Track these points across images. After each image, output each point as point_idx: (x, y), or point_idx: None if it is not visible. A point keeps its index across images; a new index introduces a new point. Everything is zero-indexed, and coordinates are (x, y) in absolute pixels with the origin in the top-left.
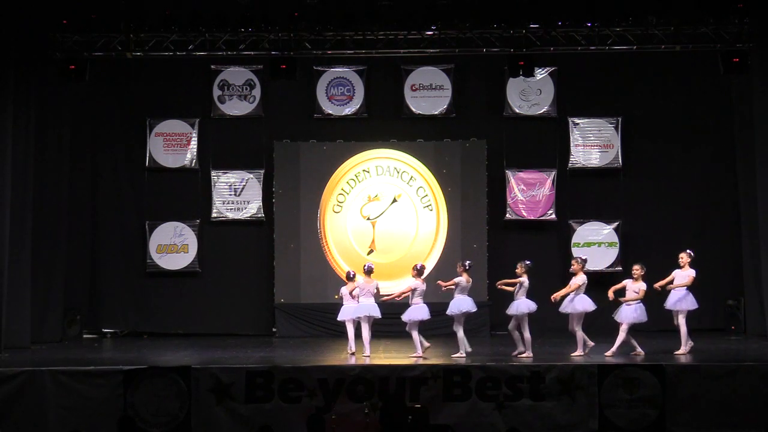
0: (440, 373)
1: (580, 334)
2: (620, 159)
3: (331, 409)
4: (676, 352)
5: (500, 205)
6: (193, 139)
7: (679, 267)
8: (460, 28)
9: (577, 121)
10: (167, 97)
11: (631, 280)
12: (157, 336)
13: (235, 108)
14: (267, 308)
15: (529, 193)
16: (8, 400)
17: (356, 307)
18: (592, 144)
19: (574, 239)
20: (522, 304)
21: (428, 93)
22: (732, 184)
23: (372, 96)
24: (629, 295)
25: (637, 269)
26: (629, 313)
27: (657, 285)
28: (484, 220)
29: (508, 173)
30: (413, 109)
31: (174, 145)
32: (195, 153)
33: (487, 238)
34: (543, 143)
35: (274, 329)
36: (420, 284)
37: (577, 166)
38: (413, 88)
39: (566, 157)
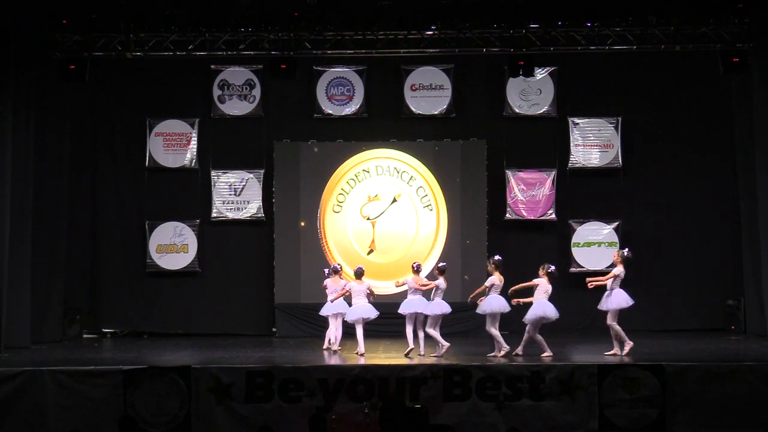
0: (440, 373)
1: (495, 333)
2: (620, 159)
3: (331, 409)
4: (543, 355)
5: (500, 204)
6: (193, 138)
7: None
8: (460, 28)
9: (577, 120)
10: (167, 97)
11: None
12: (157, 336)
13: (235, 108)
14: (267, 308)
15: (529, 193)
16: (8, 400)
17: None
18: (592, 144)
19: (574, 239)
20: (436, 306)
21: (428, 93)
22: (732, 183)
23: (372, 96)
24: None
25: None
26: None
27: (512, 290)
28: (484, 219)
29: (508, 173)
30: (413, 109)
31: (174, 145)
32: (195, 153)
33: (487, 238)
34: (543, 143)
35: (274, 329)
36: (443, 282)
37: (577, 165)
38: (413, 87)
39: (566, 157)
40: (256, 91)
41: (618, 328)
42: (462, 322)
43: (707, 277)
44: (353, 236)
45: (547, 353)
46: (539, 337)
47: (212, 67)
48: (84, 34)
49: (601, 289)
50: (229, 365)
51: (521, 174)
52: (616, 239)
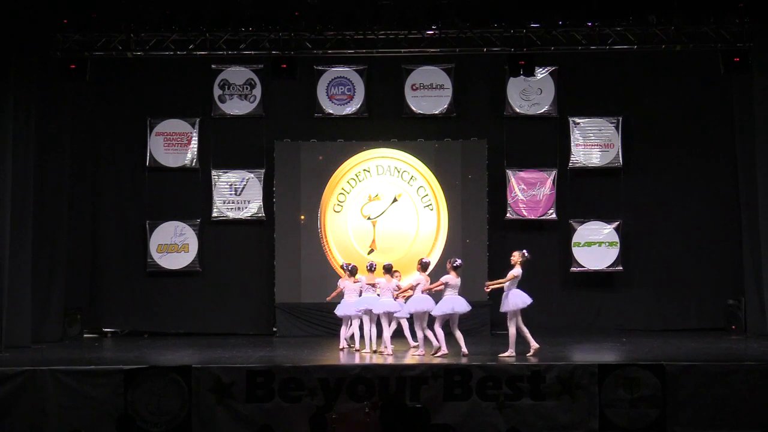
0: (441, 372)
1: (428, 333)
2: (621, 158)
3: (331, 409)
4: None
5: (501, 204)
6: (193, 138)
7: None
8: (461, 27)
9: (577, 120)
10: (168, 97)
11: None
12: (157, 335)
13: (236, 107)
14: (267, 308)
15: (530, 193)
16: (8, 400)
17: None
18: (592, 143)
19: (575, 239)
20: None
21: (429, 92)
22: (732, 183)
23: (372, 95)
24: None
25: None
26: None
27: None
28: (484, 219)
29: (509, 173)
30: (414, 109)
31: (174, 145)
32: (195, 152)
33: (487, 238)
34: (543, 143)
35: (274, 329)
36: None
37: (577, 165)
38: (414, 87)
39: (567, 157)
40: (257, 91)
41: (513, 331)
42: (462, 321)
43: (707, 276)
44: (354, 236)
45: (416, 346)
46: (435, 332)
47: (213, 66)
48: (84, 34)
49: (603, 291)
50: (230, 365)
51: (522, 173)
52: (616, 239)
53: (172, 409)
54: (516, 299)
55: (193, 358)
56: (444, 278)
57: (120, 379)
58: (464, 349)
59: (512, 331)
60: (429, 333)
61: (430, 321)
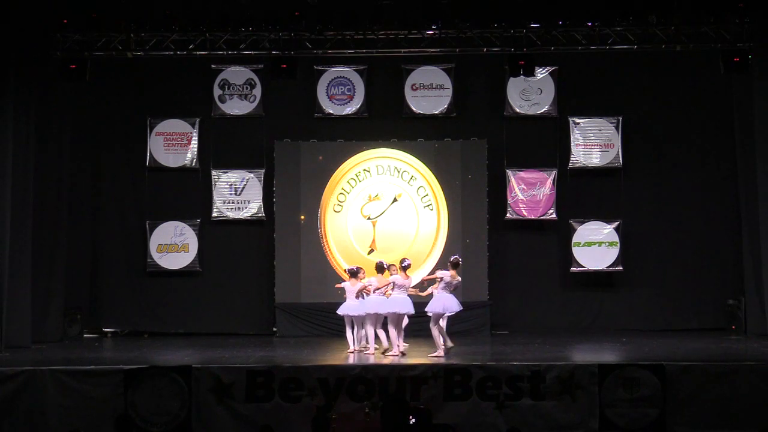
0: (441, 372)
1: (378, 333)
2: (621, 158)
3: (331, 409)
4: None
5: (501, 204)
6: (193, 138)
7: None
8: (461, 27)
9: (577, 120)
10: (168, 97)
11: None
12: (157, 335)
13: (236, 107)
14: (267, 308)
15: (530, 193)
16: (8, 400)
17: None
18: (592, 143)
19: (575, 239)
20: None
21: (429, 92)
22: (732, 183)
23: (372, 95)
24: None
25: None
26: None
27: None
28: (484, 219)
29: (509, 173)
30: (414, 109)
31: (174, 145)
32: (195, 152)
33: (487, 238)
34: (543, 143)
35: (274, 329)
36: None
37: (577, 165)
38: (414, 87)
39: (567, 157)
40: (257, 91)
41: (436, 332)
42: (462, 321)
43: (707, 276)
44: (354, 236)
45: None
46: (394, 333)
47: (213, 66)
48: (85, 34)
49: (603, 291)
50: (230, 365)
51: (522, 173)
52: (616, 239)
53: (172, 409)
54: (443, 304)
55: (193, 358)
56: (392, 278)
57: (120, 379)
58: (395, 349)
59: (434, 332)
60: (380, 332)
61: (377, 320)
